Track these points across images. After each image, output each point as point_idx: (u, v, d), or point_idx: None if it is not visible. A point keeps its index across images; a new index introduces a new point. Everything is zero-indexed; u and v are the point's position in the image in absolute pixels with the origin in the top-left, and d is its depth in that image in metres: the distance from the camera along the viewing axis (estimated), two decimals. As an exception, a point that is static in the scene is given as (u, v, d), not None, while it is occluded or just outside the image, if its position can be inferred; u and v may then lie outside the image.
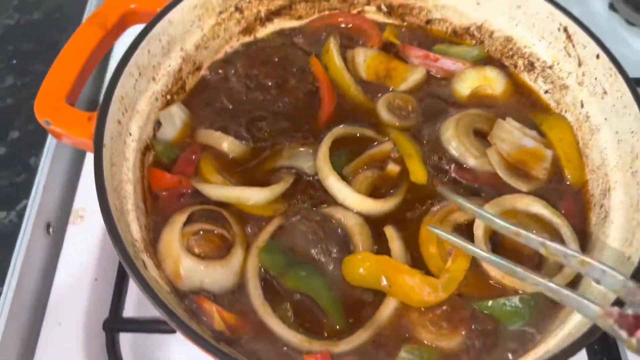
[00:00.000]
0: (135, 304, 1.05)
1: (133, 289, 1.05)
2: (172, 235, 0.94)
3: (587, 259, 0.80)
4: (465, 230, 0.98)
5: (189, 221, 0.96)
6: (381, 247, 0.97)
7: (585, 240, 0.99)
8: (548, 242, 0.84)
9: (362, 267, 0.92)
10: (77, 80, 0.96)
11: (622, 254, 0.88)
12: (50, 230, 1.09)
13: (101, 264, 1.08)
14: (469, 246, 0.88)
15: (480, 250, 0.88)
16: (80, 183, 1.15)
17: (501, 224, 0.87)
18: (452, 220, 1.00)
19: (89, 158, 1.16)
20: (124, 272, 1.06)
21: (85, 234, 1.10)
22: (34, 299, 1.05)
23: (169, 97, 1.10)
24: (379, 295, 0.93)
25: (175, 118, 1.08)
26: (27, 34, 1.25)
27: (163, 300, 0.78)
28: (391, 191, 1.04)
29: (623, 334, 0.74)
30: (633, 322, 0.74)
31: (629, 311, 0.74)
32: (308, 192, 1.03)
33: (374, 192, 1.02)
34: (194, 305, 0.90)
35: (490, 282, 0.94)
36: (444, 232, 0.90)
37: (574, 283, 0.93)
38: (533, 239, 0.85)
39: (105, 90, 0.94)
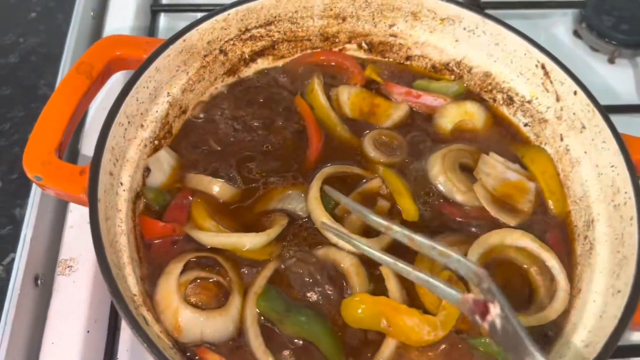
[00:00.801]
0: (129, 352, 1.03)
1: (125, 339, 1.03)
2: (169, 286, 0.93)
3: (444, 250, 0.88)
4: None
5: (184, 270, 0.96)
6: (378, 286, 0.98)
7: (572, 270, 1.02)
8: (412, 235, 0.90)
9: (360, 309, 0.93)
10: (65, 132, 0.95)
11: (612, 286, 0.92)
12: (39, 282, 1.06)
13: (92, 315, 1.05)
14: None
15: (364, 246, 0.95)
16: (65, 232, 1.13)
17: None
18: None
19: (74, 206, 1.14)
20: (116, 322, 1.04)
21: (75, 285, 1.07)
22: (25, 355, 1.02)
23: (156, 142, 1.09)
24: (380, 336, 0.94)
25: (164, 163, 1.08)
26: (3, 78, 1.23)
27: (169, 358, 0.77)
28: (383, 228, 1.05)
29: (478, 318, 0.83)
30: (483, 308, 0.83)
31: (480, 297, 0.83)
32: (302, 233, 1.03)
33: (367, 231, 1.04)
34: (195, 358, 0.89)
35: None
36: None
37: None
38: (400, 232, 0.92)
39: (97, 143, 0.93)
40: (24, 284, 1.01)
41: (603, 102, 1.07)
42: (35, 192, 1.09)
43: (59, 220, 1.15)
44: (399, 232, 0.92)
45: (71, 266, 1.09)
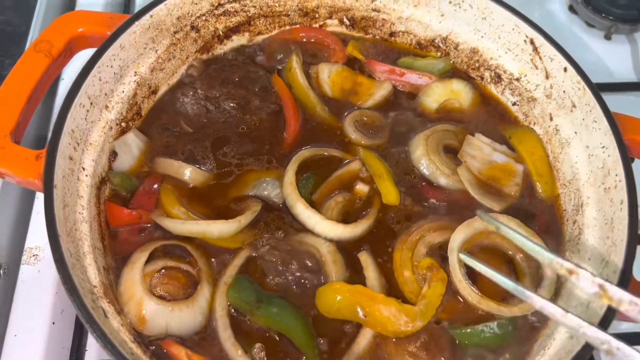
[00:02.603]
0: (98, 347, 0.99)
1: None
2: (133, 276, 0.88)
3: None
4: (440, 251, 0.96)
5: (150, 259, 0.91)
6: (355, 274, 0.94)
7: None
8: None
9: (336, 298, 0.89)
10: (21, 115, 0.89)
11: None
12: (1, 271, 1.02)
13: (59, 306, 1.01)
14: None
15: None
16: (32, 220, 1.08)
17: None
18: (427, 241, 0.97)
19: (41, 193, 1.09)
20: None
21: (40, 274, 1.03)
22: (-13, 348, 0.98)
23: (123, 124, 1.03)
24: (356, 328, 0.89)
25: (132, 146, 1.02)
26: (-34, 58, 1.17)
27: (126, 355, 0.72)
28: (363, 213, 1.00)
29: None
30: None
31: None
32: (276, 220, 0.98)
33: (347, 218, 0.99)
34: (162, 351, 0.85)
35: (466, 305, 0.92)
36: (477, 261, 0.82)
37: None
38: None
39: (54, 125, 0.87)
40: (-16, 274, 0.97)
41: (598, 80, 1.02)
42: (-4, 178, 1.04)
43: (25, 207, 1.10)
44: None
45: (37, 254, 1.04)
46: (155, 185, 1.00)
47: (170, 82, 1.12)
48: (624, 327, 1.02)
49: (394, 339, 0.89)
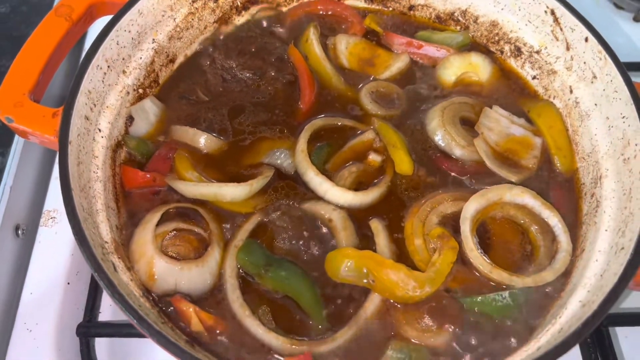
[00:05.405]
0: (112, 307, 1.01)
1: (108, 292, 1.01)
2: (145, 236, 0.89)
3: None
4: (452, 222, 0.95)
5: (163, 220, 0.92)
6: (365, 242, 0.93)
7: (576, 230, 0.95)
8: None
9: (345, 262, 0.88)
10: (41, 75, 0.91)
11: (615, 244, 0.84)
12: (20, 232, 1.04)
13: (74, 267, 1.03)
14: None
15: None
16: (51, 183, 1.10)
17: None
18: (439, 211, 0.96)
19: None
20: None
21: (57, 236, 1.05)
22: (3, 304, 1.00)
23: (141, 90, 1.05)
24: (364, 293, 0.89)
25: (149, 112, 1.04)
26: (-7, 28, 1.20)
27: (132, 304, 0.73)
28: (374, 181, 1.00)
29: None
30: None
31: None
32: (288, 188, 0.98)
33: (361, 188, 0.98)
34: (169, 308, 0.86)
35: (477, 275, 0.90)
36: None
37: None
38: None
39: (71, 85, 0.89)
40: (3, 233, 0.99)
41: (627, 60, 0.99)
42: (17, 142, 1.07)
43: (45, 171, 1.13)
44: None
45: (54, 217, 1.07)
46: (171, 152, 1.00)
47: (188, 51, 1.13)
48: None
49: (401, 308, 0.88)
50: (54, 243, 1.04)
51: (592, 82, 1.00)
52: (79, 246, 0.76)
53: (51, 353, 0.96)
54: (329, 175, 0.98)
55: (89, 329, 0.97)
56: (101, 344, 0.99)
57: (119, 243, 0.88)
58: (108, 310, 1.01)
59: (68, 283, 1.01)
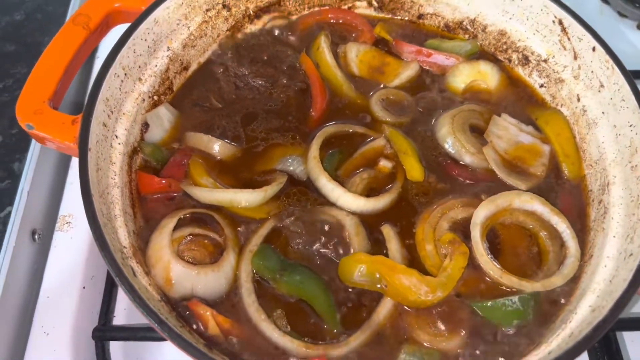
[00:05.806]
0: (126, 311, 1.02)
1: (123, 296, 1.02)
2: (162, 241, 0.91)
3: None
4: (462, 227, 0.96)
5: (179, 226, 0.93)
6: (377, 247, 0.95)
7: (584, 236, 0.97)
8: None
9: (358, 267, 0.90)
10: (60, 82, 0.93)
11: (624, 250, 0.86)
12: (36, 237, 1.06)
13: (89, 271, 1.05)
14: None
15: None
16: (66, 188, 1.12)
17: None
18: (450, 217, 0.98)
19: (75, 163, 1.12)
20: (114, 280, 1.02)
21: (73, 241, 1.07)
22: (20, 308, 1.02)
23: (156, 97, 1.07)
24: (377, 298, 0.90)
25: (164, 119, 1.05)
26: (8, 35, 1.22)
27: (153, 308, 0.75)
28: (386, 187, 1.01)
29: None
30: None
31: None
32: (301, 193, 1.00)
33: (372, 195, 1.00)
34: (186, 312, 0.87)
35: (488, 280, 0.92)
36: None
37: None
38: None
39: (90, 92, 0.91)
40: (20, 237, 1.01)
41: (630, 68, 1.01)
42: (34, 147, 1.09)
43: (60, 176, 1.14)
44: None
45: (70, 222, 1.08)
46: (185, 158, 1.02)
47: (202, 59, 1.15)
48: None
49: (414, 311, 0.90)
50: (70, 248, 1.06)
51: (599, 91, 1.02)
52: (100, 251, 0.78)
53: (68, 356, 0.98)
54: (341, 181, 1.00)
55: (105, 333, 0.99)
56: (115, 347, 1.01)
57: (136, 248, 0.90)
58: (122, 314, 1.03)
59: (84, 287, 1.03)
